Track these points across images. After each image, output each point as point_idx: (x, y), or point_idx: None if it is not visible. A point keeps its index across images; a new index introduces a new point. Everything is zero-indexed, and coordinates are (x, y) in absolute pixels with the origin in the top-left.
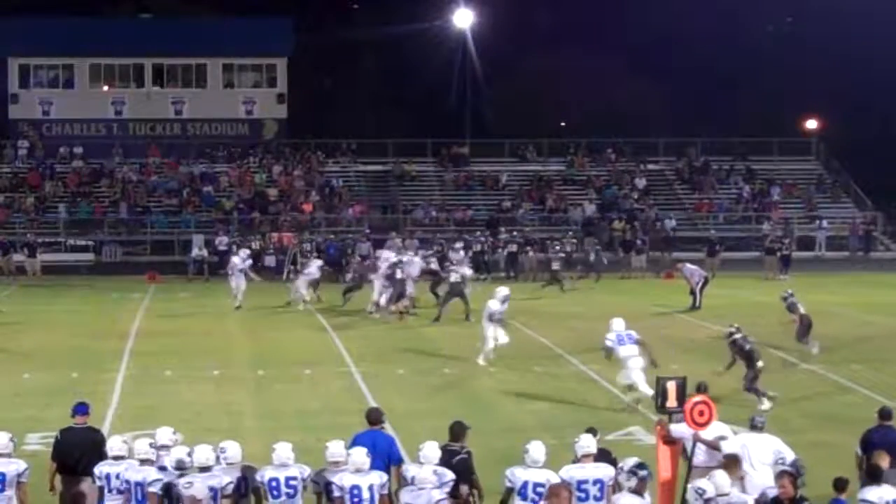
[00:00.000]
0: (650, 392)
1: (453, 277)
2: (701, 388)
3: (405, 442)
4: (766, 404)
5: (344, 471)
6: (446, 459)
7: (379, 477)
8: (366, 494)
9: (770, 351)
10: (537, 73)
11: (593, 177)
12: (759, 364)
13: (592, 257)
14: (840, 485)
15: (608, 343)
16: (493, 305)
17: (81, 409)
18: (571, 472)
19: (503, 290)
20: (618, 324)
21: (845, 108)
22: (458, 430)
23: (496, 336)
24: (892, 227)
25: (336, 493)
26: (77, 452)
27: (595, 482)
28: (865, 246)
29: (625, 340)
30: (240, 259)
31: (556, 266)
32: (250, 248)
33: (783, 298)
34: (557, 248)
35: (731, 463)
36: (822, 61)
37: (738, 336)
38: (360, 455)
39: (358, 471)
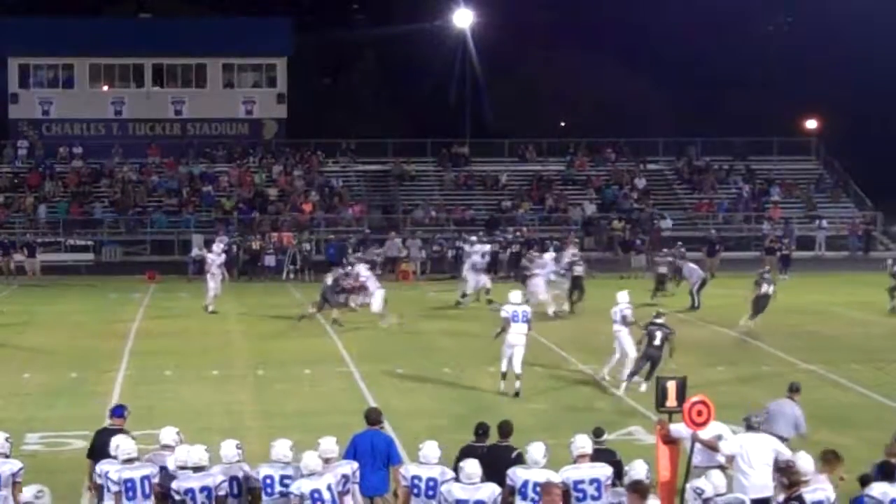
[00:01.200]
0: (519, 371)
1: (577, 271)
2: (793, 388)
3: (404, 442)
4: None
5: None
6: (507, 457)
7: (333, 476)
8: (326, 496)
9: (768, 350)
10: (537, 72)
11: (593, 176)
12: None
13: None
14: (866, 480)
15: (503, 314)
16: (627, 311)
17: (117, 411)
18: (568, 473)
19: (625, 294)
20: (514, 296)
21: (845, 107)
22: (507, 429)
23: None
24: (891, 227)
25: (294, 502)
26: (102, 452)
27: (591, 482)
28: (865, 246)
29: (518, 317)
30: (215, 255)
31: (662, 270)
32: (226, 242)
33: (758, 273)
34: (665, 251)
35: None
36: (822, 61)
37: (658, 321)
38: (312, 459)
39: (312, 474)
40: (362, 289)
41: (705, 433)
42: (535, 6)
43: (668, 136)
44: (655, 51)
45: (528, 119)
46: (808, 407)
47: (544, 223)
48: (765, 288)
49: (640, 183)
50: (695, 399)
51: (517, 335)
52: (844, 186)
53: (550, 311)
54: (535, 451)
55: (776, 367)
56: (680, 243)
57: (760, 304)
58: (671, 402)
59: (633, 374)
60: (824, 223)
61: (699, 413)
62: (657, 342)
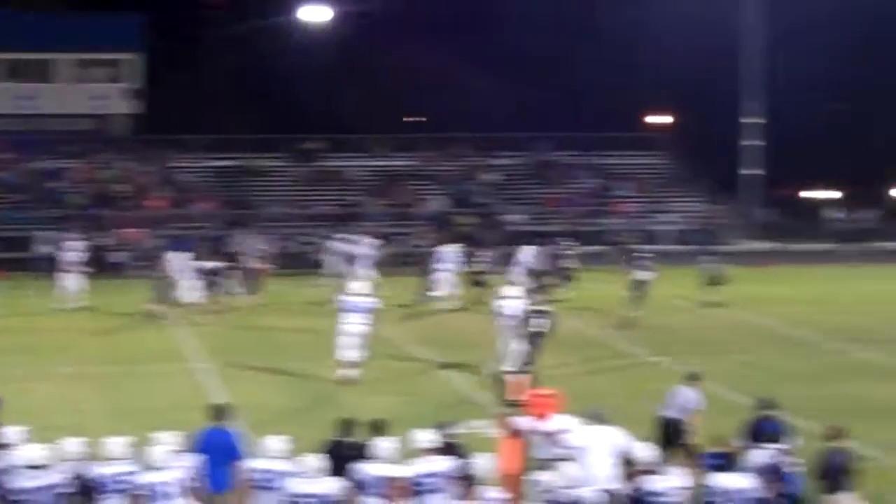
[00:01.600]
0: (356, 358)
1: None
2: (692, 376)
3: (251, 436)
4: None
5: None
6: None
7: (177, 471)
8: (170, 490)
9: (615, 343)
10: (390, 68)
11: (444, 172)
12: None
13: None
14: (709, 470)
15: (337, 304)
16: (514, 305)
17: None
18: (411, 467)
19: (513, 290)
20: (356, 286)
21: (693, 102)
22: (375, 425)
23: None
24: (738, 221)
25: (136, 491)
26: None
27: (435, 475)
28: (711, 240)
29: (353, 308)
30: (67, 252)
31: (568, 264)
32: (76, 239)
33: (631, 259)
34: (558, 245)
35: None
36: (671, 56)
37: (538, 308)
38: (157, 453)
39: (156, 468)
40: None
41: (550, 425)
42: (389, 1)
43: (519, 132)
44: (507, 46)
45: (380, 114)
46: (651, 398)
47: (395, 219)
48: (639, 274)
49: (491, 178)
50: (540, 391)
51: (352, 325)
52: (692, 181)
53: (447, 304)
54: (381, 445)
55: (622, 360)
56: (559, 239)
57: (637, 289)
58: (516, 394)
59: (521, 361)
60: (671, 217)
61: (544, 405)
62: (533, 329)
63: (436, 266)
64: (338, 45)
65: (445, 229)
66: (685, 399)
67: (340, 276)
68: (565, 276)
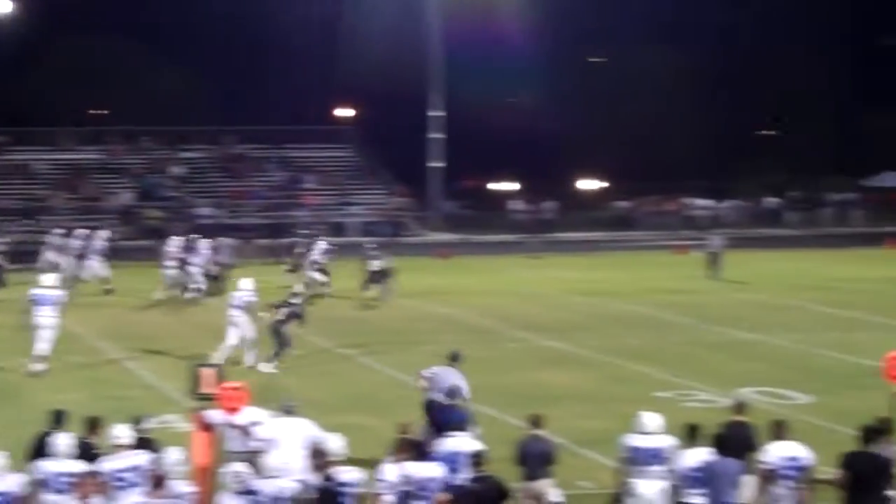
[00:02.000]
0: (43, 351)
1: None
2: (454, 357)
3: None
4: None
5: None
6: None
7: None
8: None
9: (304, 335)
10: (73, 58)
11: (130, 165)
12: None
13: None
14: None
15: (29, 296)
16: (251, 297)
17: None
18: (107, 463)
19: (249, 282)
20: (44, 279)
21: (378, 96)
22: (91, 422)
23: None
24: (423, 213)
25: None
26: None
27: (131, 469)
28: (396, 231)
29: (41, 300)
30: None
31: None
32: None
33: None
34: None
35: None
36: (356, 49)
37: (291, 300)
38: None
39: None
40: None
41: (242, 418)
42: None
43: (204, 125)
44: (195, 39)
45: (63, 106)
46: (340, 389)
47: (82, 213)
48: (375, 264)
49: (178, 171)
50: (230, 385)
51: (41, 317)
52: (377, 173)
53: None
54: (62, 442)
55: (312, 352)
56: (309, 231)
57: (376, 278)
58: (206, 388)
59: (276, 354)
60: (357, 209)
61: (234, 399)
62: (286, 320)
63: (169, 260)
64: (21, 36)
65: (134, 223)
66: (452, 380)
67: (62, 272)
68: (319, 269)
